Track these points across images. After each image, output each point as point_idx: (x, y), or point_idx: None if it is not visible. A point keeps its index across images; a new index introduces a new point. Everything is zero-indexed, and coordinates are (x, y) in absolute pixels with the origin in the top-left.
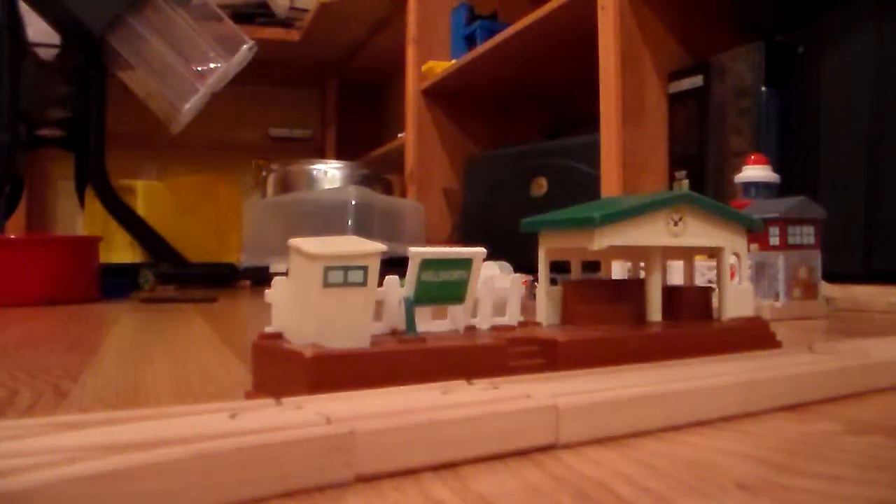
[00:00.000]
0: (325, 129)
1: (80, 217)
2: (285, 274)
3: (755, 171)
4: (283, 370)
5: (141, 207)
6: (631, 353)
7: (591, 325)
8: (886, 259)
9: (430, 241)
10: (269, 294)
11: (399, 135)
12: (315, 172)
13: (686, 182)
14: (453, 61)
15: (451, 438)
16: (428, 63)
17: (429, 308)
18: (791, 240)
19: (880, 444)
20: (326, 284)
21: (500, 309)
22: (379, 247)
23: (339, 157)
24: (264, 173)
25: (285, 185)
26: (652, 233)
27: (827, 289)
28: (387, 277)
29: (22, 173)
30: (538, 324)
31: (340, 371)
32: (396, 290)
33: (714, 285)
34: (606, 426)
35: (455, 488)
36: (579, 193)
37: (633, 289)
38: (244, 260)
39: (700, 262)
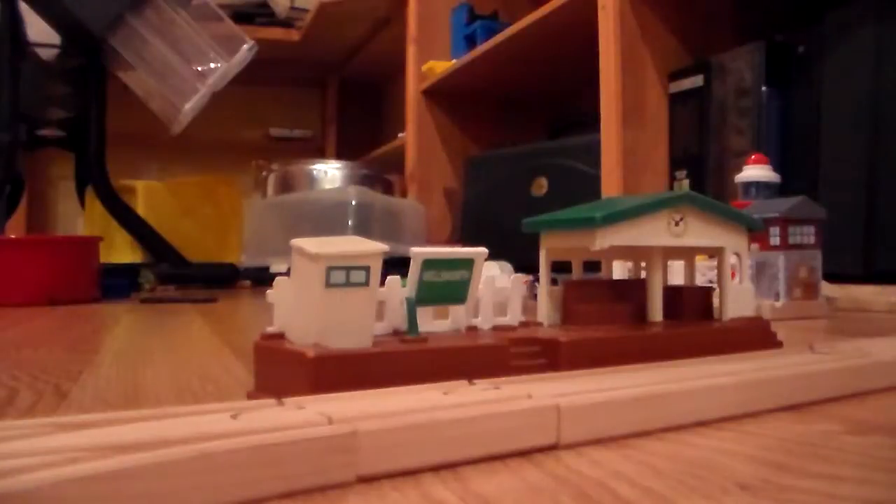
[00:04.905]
0: (325, 129)
1: (80, 217)
2: (286, 274)
3: (755, 171)
4: (285, 370)
5: (141, 208)
6: (632, 353)
7: (592, 326)
8: (886, 259)
9: (430, 242)
10: (271, 294)
11: (399, 135)
12: (315, 172)
13: (686, 182)
14: (453, 61)
15: (453, 439)
16: (428, 63)
17: (430, 308)
18: (791, 239)
19: (880, 444)
20: (329, 285)
21: (501, 309)
22: (381, 247)
23: (339, 157)
24: (264, 173)
25: (285, 185)
26: (653, 233)
27: (827, 289)
28: (389, 278)
29: (22, 174)
30: (539, 324)
31: (342, 371)
32: (398, 290)
33: (715, 285)
34: (607, 426)
35: (455, 489)
36: (580, 193)
37: (634, 289)
38: (244, 260)
39: (701, 262)
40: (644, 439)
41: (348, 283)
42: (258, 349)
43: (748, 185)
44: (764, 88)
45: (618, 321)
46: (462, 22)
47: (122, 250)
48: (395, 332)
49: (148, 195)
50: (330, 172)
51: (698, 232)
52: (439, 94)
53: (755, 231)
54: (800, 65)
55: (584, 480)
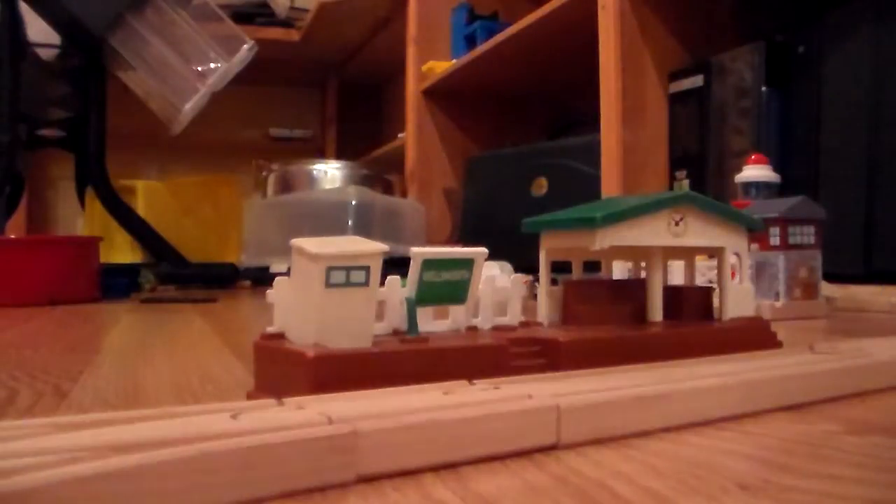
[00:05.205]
0: (325, 129)
1: (80, 217)
2: (286, 274)
3: (755, 171)
4: (285, 370)
5: (141, 208)
6: (632, 353)
7: (592, 325)
8: (886, 259)
9: (430, 242)
10: (271, 294)
11: (399, 135)
12: (315, 172)
13: (686, 182)
14: (453, 61)
15: (453, 439)
16: (428, 63)
17: (430, 308)
18: (791, 240)
19: (880, 444)
20: (329, 285)
21: (501, 309)
22: (381, 247)
23: (339, 157)
24: (264, 173)
25: (285, 185)
26: (653, 233)
27: (827, 289)
28: (389, 278)
29: (22, 174)
30: (539, 324)
31: (342, 371)
32: (398, 290)
33: (715, 285)
34: (607, 426)
35: (456, 489)
36: (579, 193)
37: (634, 289)
38: (244, 260)
39: (701, 262)
40: (644, 439)
41: (348, 283)
42: (258, 349)
43: (748, 185)
44: (764, 88)
45: (618, 321)
46: (462, 22)
47: (122, 250)
48: (395, 332)
49: (148, 195)
50: (330, 172)
51: (698, 232)
52: (439, 94)
53: (755, 231)
54: (800, 65)
55: (585, 480)
